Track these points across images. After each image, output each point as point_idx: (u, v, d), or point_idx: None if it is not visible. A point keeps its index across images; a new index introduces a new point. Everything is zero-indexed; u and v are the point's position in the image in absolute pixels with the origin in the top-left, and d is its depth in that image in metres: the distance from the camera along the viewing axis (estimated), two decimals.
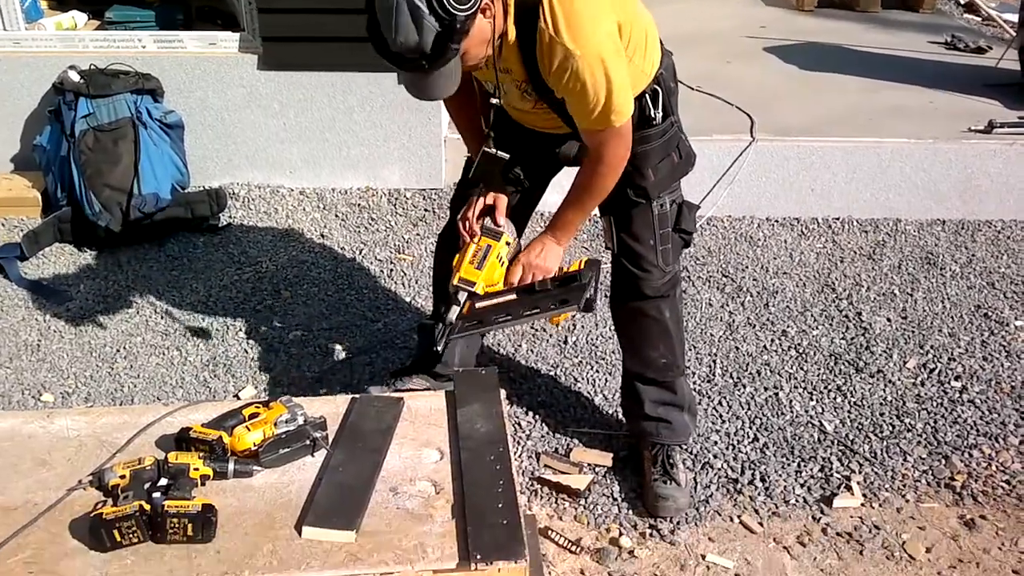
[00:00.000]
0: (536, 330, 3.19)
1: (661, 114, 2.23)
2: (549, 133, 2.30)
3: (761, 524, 2.43)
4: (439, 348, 2.14)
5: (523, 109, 2.23)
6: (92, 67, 3.85)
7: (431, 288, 2.83)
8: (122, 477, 1.68)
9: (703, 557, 2.33)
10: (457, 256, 2.25)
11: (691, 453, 2.63)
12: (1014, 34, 4.94)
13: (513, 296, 2.22)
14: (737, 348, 3.12)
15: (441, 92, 1.92)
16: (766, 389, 2.91)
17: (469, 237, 2.26)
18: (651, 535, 2.40)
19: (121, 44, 4.02)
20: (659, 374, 2.50)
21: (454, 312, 2.14)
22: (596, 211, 2.31)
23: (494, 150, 2.20)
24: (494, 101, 2.16)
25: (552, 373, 2.99)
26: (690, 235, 2.39)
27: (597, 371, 2.99)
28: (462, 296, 2.16)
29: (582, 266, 2.23)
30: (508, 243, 2.25)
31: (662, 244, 2.34)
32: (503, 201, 2.28)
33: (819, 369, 3.02)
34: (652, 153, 2.24)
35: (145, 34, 4.05)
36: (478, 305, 2.19)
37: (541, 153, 2.36)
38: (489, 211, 2.29)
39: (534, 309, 2.21)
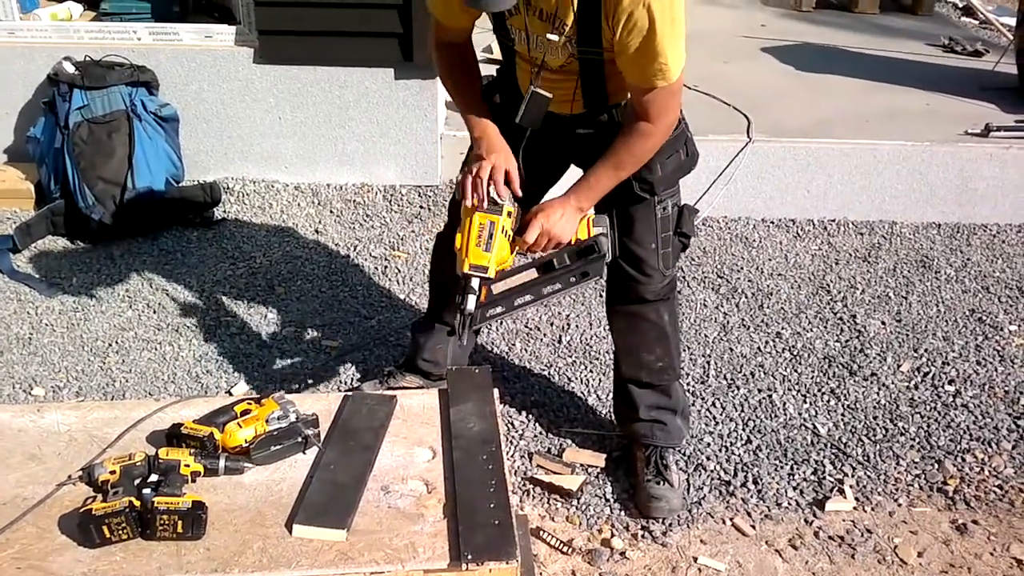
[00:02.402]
0: (530, 329, 3.18)
1: None
2: (555, 115, 2.19)
3: (753, 527, 2.43)
4: (461, 341, 2.08)
5: (549, 67, 2.12)
6: (87, 58, 3.83)
7: (426, 286, 2.81)
8: (112, 473, 1.68)
9: (695, 559, 2.33)
10: (459, 237, 2.07)
11: (684, 455, 2.62)
12: (1011, 37, 4.95)
13: (530, 275, 2.13)
14: (731, 349, 3.11)
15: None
16: (760, 391, 2.91)
17: (474, 202, 2.08)
18: (643, 536, 2.39)
19: (116, 36, 4.01)
20: (655, 378, 2.49)
21: (471, 301, 2.02)
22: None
23: (542, 89, 2.07)
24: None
25: (546, 373, 2.98)
26: (689, 239, 2.37)
27: (591, 371, 2.98)
28: (475, 283, 2.03)
29: (591, 229, 2.15)
30: (510, 213, 2.09)
31: (663, 248, 2.32)
32: (513, 167, 2.12)
33: (813, 372, 3.02)
34: (662, 148, 2.20)
35: (141, 26, 4.03)
36: (494, 288, 2.09)
37: (544, 154, 2.32)
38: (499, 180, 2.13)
39: (555, 285, 2.13)
